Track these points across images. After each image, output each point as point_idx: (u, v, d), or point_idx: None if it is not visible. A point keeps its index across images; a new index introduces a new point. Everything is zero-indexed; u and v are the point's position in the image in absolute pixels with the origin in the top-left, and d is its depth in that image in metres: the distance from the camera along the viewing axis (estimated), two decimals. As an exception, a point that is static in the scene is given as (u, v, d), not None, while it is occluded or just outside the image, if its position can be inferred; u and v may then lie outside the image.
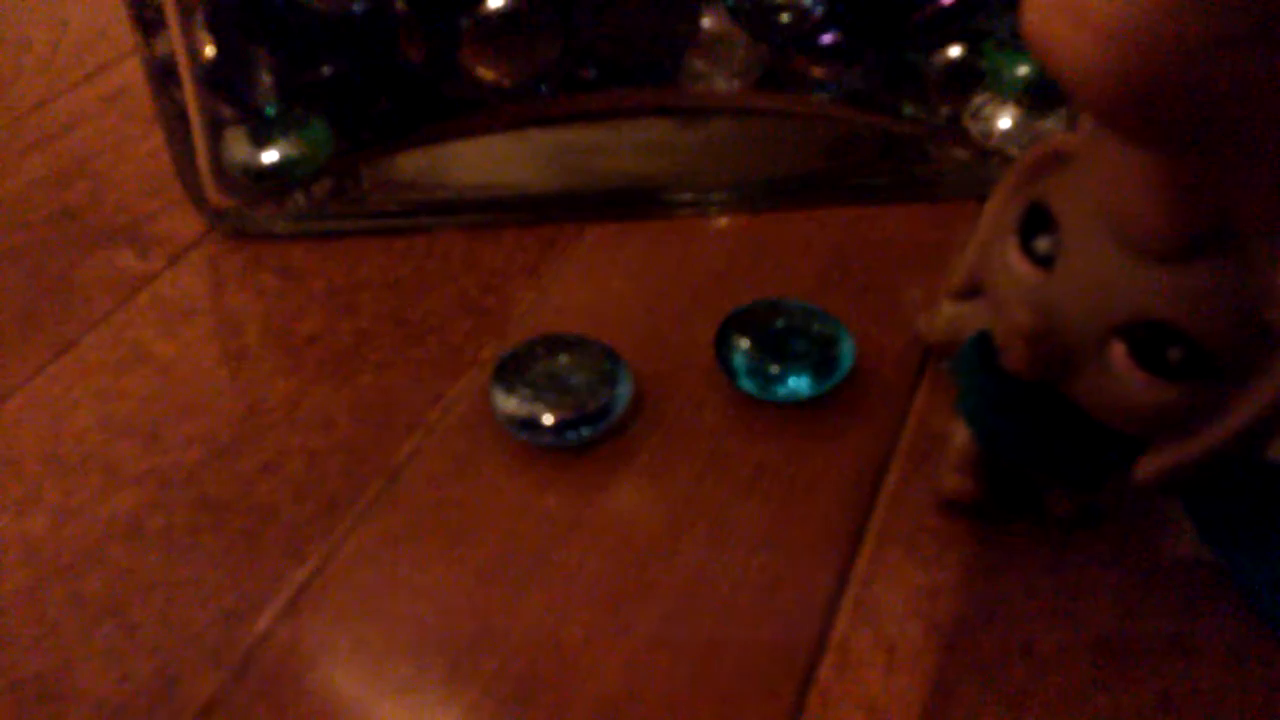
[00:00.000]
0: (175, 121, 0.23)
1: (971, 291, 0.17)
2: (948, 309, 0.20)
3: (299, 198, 0.25)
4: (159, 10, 0.21)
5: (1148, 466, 0.14)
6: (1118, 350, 0.14)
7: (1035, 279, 0.14)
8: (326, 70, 0.23)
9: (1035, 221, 0.14)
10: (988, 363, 0.16)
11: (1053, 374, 0.14)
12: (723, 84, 0.25)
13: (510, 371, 0.20)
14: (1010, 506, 0.18)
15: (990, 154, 0.25)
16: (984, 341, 0.16)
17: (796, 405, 0.20)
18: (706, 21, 0.24)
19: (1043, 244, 0.14)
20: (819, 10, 0.24)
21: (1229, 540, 0.16)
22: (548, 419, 0.19)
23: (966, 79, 0.24)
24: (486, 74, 0.24)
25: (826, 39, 0.24)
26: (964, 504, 0.18)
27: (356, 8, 0.23)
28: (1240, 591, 0.16)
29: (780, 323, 0.21)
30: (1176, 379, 0.13)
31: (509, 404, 0.19)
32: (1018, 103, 0.25)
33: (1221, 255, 0.13)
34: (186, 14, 0.22)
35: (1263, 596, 0.16)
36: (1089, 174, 0.14)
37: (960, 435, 0.18)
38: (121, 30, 0.32)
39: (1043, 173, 0.15)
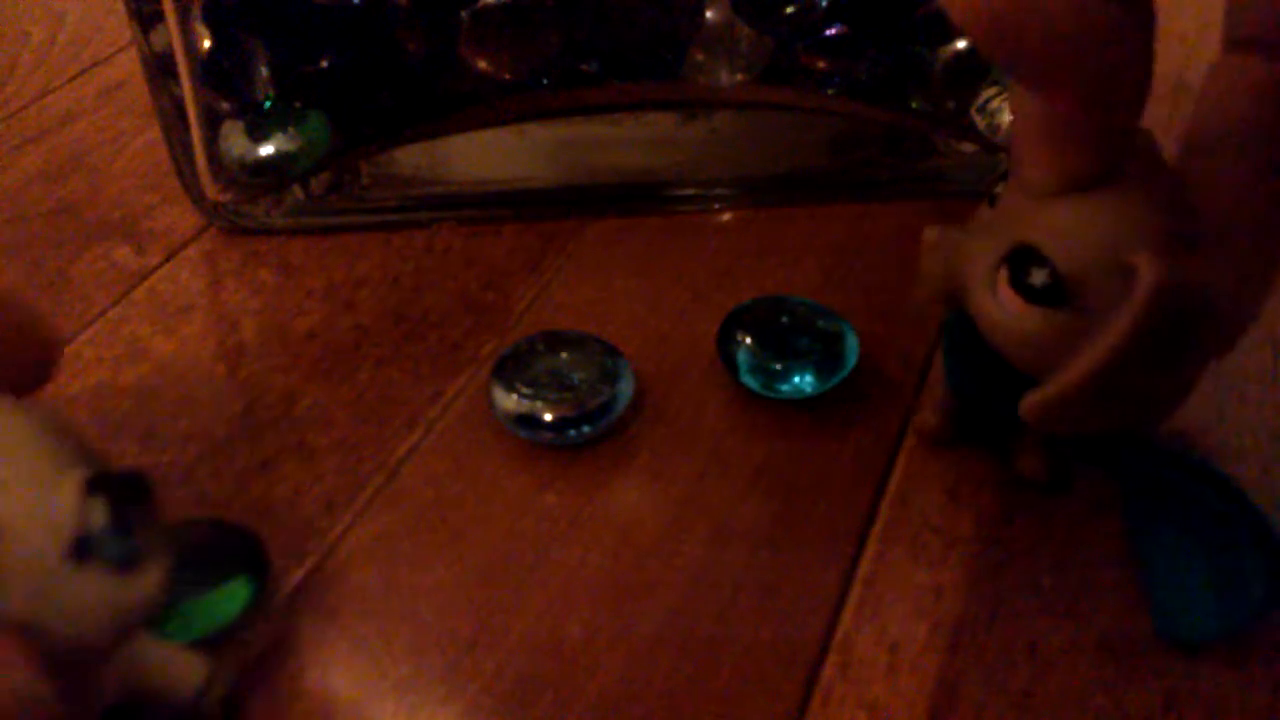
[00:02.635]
0: (172, 116, 0.23)
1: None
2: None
3: (297, 193, 0.25)
4: (156, 4, 0.21)
5: (1027, 403, 0.15)
6: (1001, 275, 0.15)
7: (986, 217, 0.16)
8: (324, 64, 0.23)
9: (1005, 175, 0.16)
10: (963, 321, 0.17)
11: (953, 298, 0.16)
12: (726, 78, 0.24)
13: (510, 369, 0.20)
14: (974, 442, 0.19)
15: (996, 148, 0.25)
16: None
17: (800, 403, 0.20)
18: (710, 14, 0.24)
19: (998, 189, 0.16)
20: (824, 3, 0.23)
21: (1149, 538, 0.17)
22: (548, 416, 0.19)
23: (972, 72, 0.24)
24: (486, 68, 0.23)
25: (831, 32, 0.24)
26: (931, 438, 0.19)
27: (355, 0, 0.22)
28: (1147, 594, 0.17)
29: (784, 319, 0.21)
30: (1039, 303, 0.14)
31: (509, 401, 0.19)
32: (1023, 97, 0.24)
33: (1100, 194, 0.14)
34: (183, 8, 0.21)
35: (1165, 603, 0.16)
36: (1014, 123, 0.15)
37: (943, 380, 0.19)
38: (118, 24, 0.32)
39: None
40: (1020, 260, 0.15)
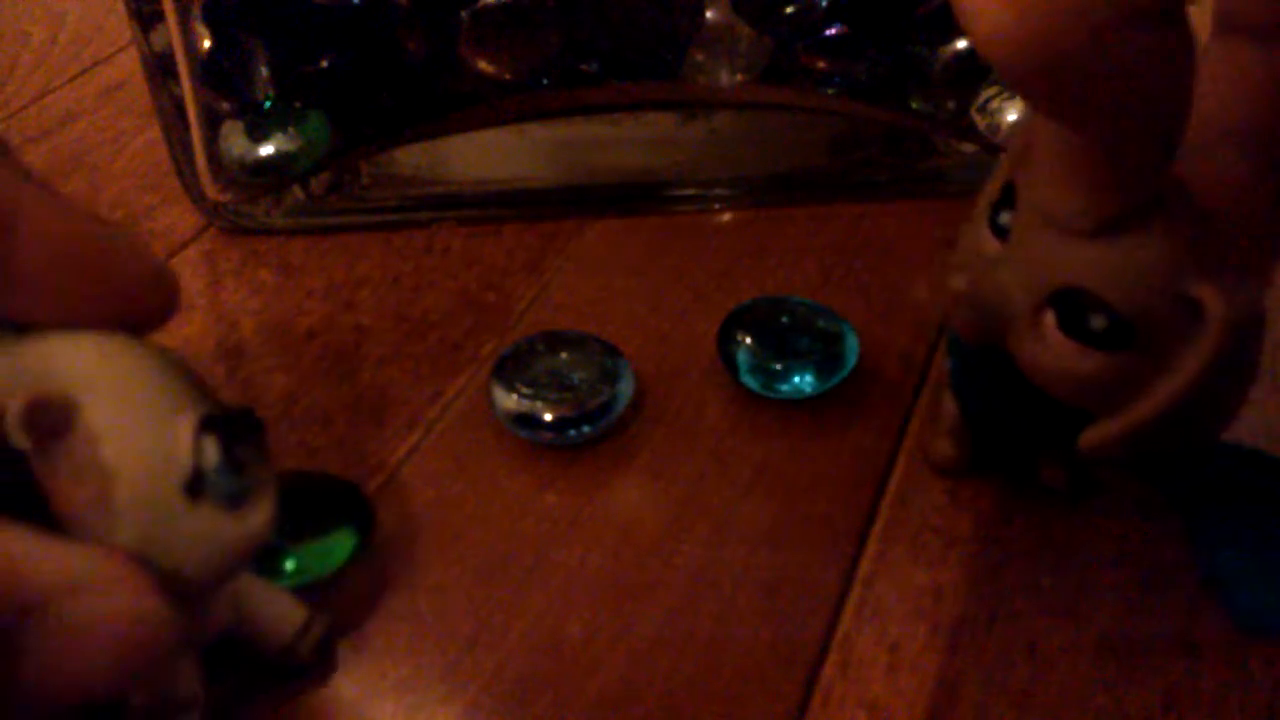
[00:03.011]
0: (172, 116, 0.23)
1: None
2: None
3: (297, 193, 0.25)
4: (156, 4, 0.21)
5: (1086, 438, 0.15)
6: (1048, 319, 0.14)
7: (993, 251, 0.15)
8: (324, 64, 0.23)
9: (1006, 197, 0.15)
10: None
11: (992, 339, 0.15)
12: (726, 78, 0.24)
13: (510, 368, 0.20)
14: (990, 469, 0.19)
15: (997, 148, 0.25)
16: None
17: (800, 403, 0.20)
18: (710, 14, 0.24)
19: (1005, 218, 0.15)
20: (824, 3, 0.23)
21: (1215, 535, 0.16)
22: (548, 416, 0.19)
23: (973, 72, 0.24)
24: (486, 68, 0.23)
25: (831, 32, 0.24)
26: (948, 468, 0.19)
27: (355, 0, 0.22)
28: (1218, 589, 0.17)
29: (784, 320, 0.21)
30: (1101, 347, 0.14)
31: (509, 401, 0.19)
32: (1023, 97, 0.24)
33: (1144, 230, 0.13)
34: (183, 8, 0.21)
35: (1241, 596, 0.16)
36: (1034, 148, 0.14)
37: (949, 404, 0.18)
38: (119, 24, 0.32)
39: (1025, 152, 0.16)
40: (1070, 304, 0.14)
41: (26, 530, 0.09)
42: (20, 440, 0.10)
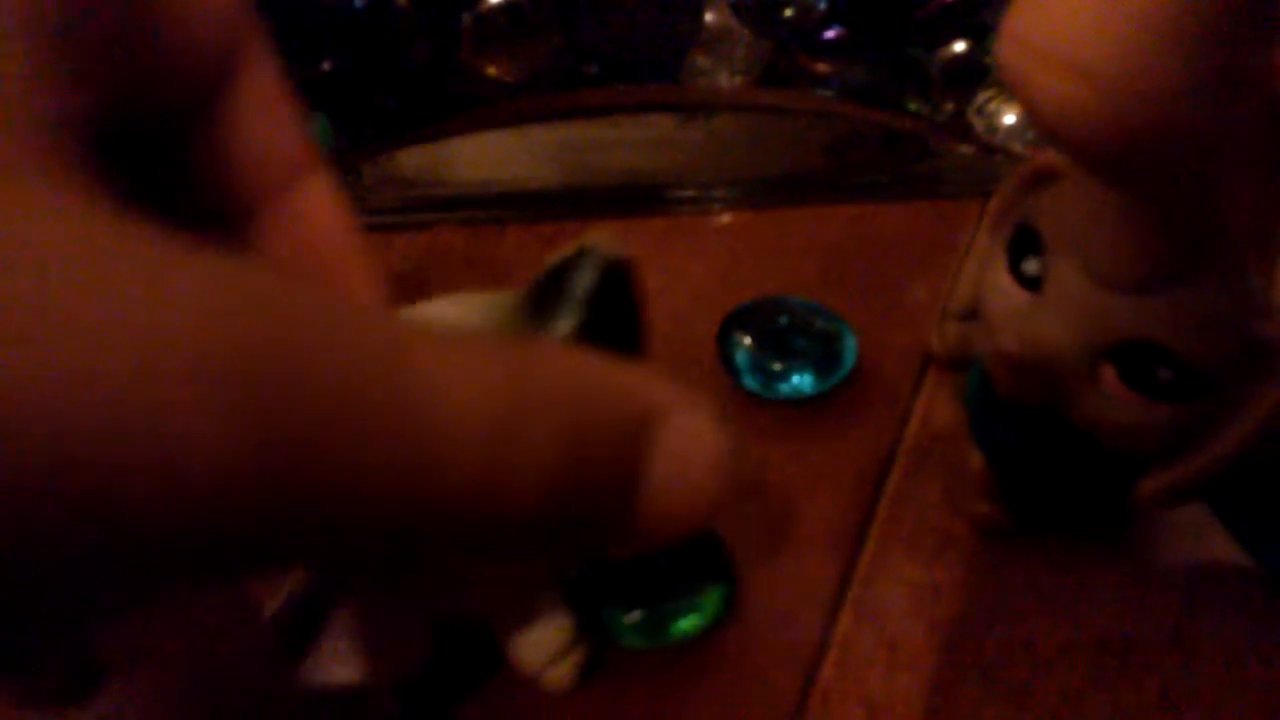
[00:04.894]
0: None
1: (972, 313, 0.17)
2: (954, 324, 0.20)
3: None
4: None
5: (1150, 486, 0.14)
6: (1108, 374, 0.14)
7: (1023, 302, 0.14)
8: (326, 66, 0.23)
9: (1024, 243, 0.14)
10: (991, 389, 0.15)
11: (1045, 398, 0.14)
12: (725, 80, 0.25)
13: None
14: (1041, 525, 0.18)
15: (994, 150, 0.25)
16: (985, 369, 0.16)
17: (798, 403, 0.20)
18: (709, 17, 0.24)
19: (1030, 266, 0.14)
20: (822, 6, 0.23)
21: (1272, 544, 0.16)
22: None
23: (970, 75, 0.24)
24: (488, 70, 0.23)
25: (830, 35, 0.24)
26: (990, 528, 0.18)
27: (357, 3, 0.22)
28: None
29: (782, 320, 0.21)
30: (1168, 399, 0.13)
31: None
32: (1021, 99, 0.24)
33: (1203, 276, 0.13)
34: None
35: None
36: (1068, 201, 0.14)
37: (976, 460, 0.18)
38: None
39: (1030, 191, 0.15)
40: (1133, 357, 0.13)
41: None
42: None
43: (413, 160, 0.25)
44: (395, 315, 0.08)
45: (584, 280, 0.12)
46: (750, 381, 0.20)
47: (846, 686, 0.16)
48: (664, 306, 0.23)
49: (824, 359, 0.20)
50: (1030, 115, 0.11)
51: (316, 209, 0.11)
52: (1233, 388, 0.13)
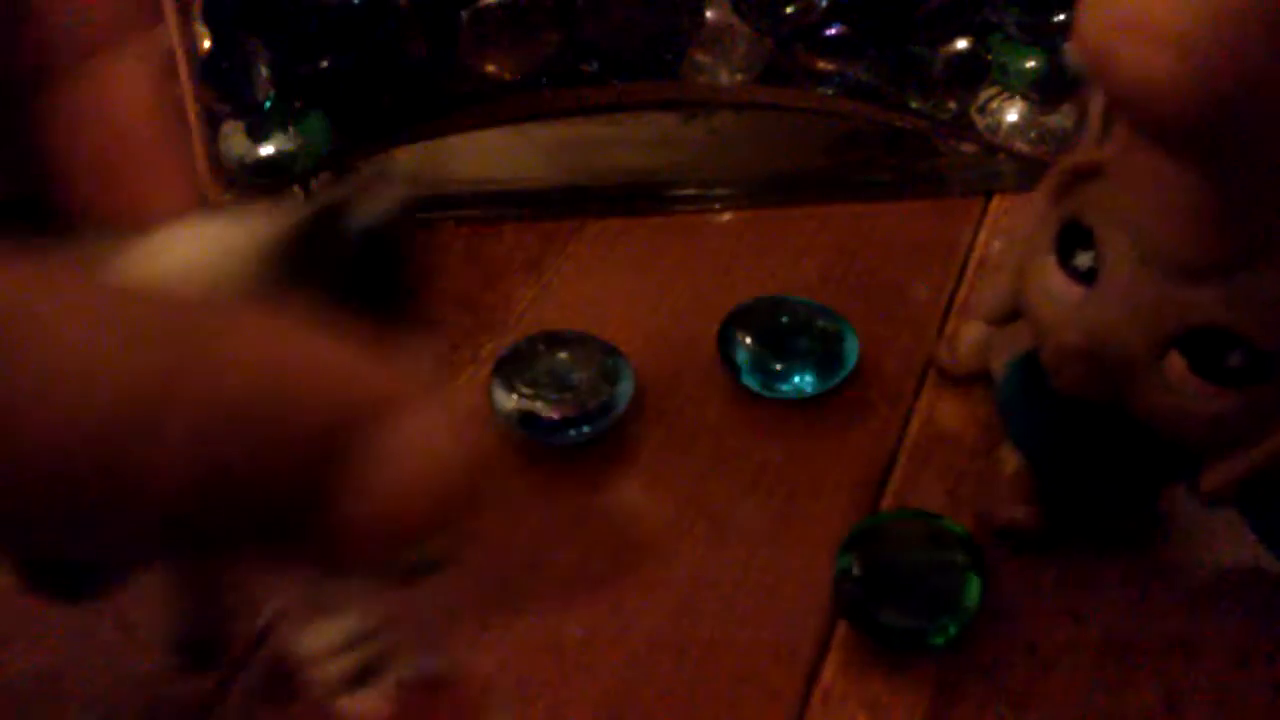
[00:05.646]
0: (173, 115, 0.23)
1: (1008, 317, 0.17)
2: (972, 333, 0.19)
3: (297, 192, 0.25)
4: (156, 4, 0.21)
5: (1215, 477, 0.14)
6: (1175, 362, 0.13)
7: (1077, 296, 0.14)
8: (324, 64, 0.23)
9: (1072, 238, 0.14)
10: (1038, 387, 0.15)
11: (1106, 392, 0.14)
12: (726, 78, 0.24)
13: (510, 368, 0.20)
14: (1070, 532, 0.17)
15: (997, 149, 0.25)
16: (1031, 365, 0.16)
17: (800, 402, 0.20)
18: (710, 14, 0.24)
19: (1083, 260, 0.14)
20: (824, 3, 0.23)
21: None
22: (548, 416, 0.19)
23: (973, 73, 0.24)
24: (486, 68, 0.23)
25: (831, 32, 0.24)
26: (1024, 535, 0.17)
27: (355, 0, 0.22)
28: None
29: (783, 319, 0.21)
30: (1238, 385, 0.13)
31: (509, 401, 0.19)
32: (1025, 96, 0.24)
33: (1270, 258, 0.13)
34: (184, 8, 0.21)
35: None
36: (1123, 189, 0.14)
37: (1011, 463, 0.17)
38: (119, 23, 0.32)
39: (1073, 188, 0.15)
40: (1202, 345, 0.13)
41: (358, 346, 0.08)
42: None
43: (411, 158, 0.25)
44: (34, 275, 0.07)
45: (344, 234, 0.10)
46: (751, 381, 0.20)
47: (848, 687, 0.16)
48: (664, 306, 0.23)
49: (825, 359, 0.20)
50: (1113, 90, 0.11)
51: (124, 79, 0.09)
52: None
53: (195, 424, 0.07)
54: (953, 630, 0.16)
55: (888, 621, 0.16)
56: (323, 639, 0.14)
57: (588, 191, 0.25)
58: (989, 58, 0.24)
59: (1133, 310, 0.14)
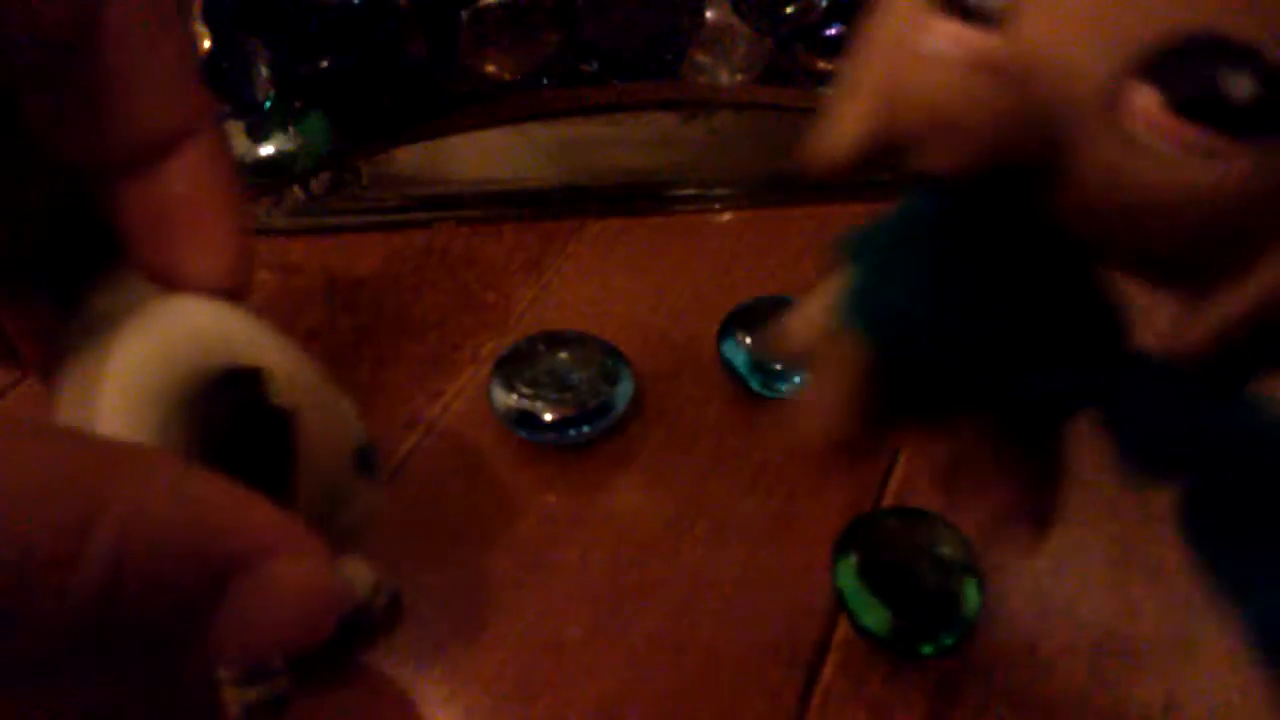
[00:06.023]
0: (173, 115, 0.23)
1: (875, 155, 0.10)
2: (814, 309, 0.12)
3: (297, 193, 0.25)
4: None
5: (1197, 326, 0.08)
6: (1144, 99, 0.08)
7: (980, 43, 0.09)
8: (324, 64, 0.23)
9: None
10: (920, 223, 0.10)
11: (1030, 165, 0.08)
12: (726, 78, 0.24)
13: (510, 368, 0.20)
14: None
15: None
16: (925, 200, 0.10)
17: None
18: (710, 14, 0.24)
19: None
20: (823, 3, 0.23)
21: (1229, 540, 0.11)
22: (548, 416, 0.19)
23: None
24: (486, 68, 0.23)
25: (831, 32, 0.24)
26: (841, 452, 0.12)
27: (356, 1, 0.22)
28: (1233, 602, 0.11)
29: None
30: (1247, 133, 0.08)
31: (509, 401, 0.19)
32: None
33: None
34: (183, 8, 0.21)
35: (1265, 609, 0.10)
36: None
37: (842, 351, 0.11)
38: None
39: None
40: (1188, 63, 0.08)
41: (233, 484, 0.09)
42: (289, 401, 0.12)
43: (411, 158, 0.25)
44: None
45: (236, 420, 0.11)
46: (750, 381, 0.20)
47: (846, 687, 0.16)
48: (664, 306, 0.23)
49: (825, 358, 0.20)
50: None
51: (190, 167, 0.12)
52: None
53: (109, 550, 0.08)
54: (948, 642, 0.16)
55: (878, 628, 0.16)
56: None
57: (588, 191, 0.25)
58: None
59: (1080, 19, 0.08)
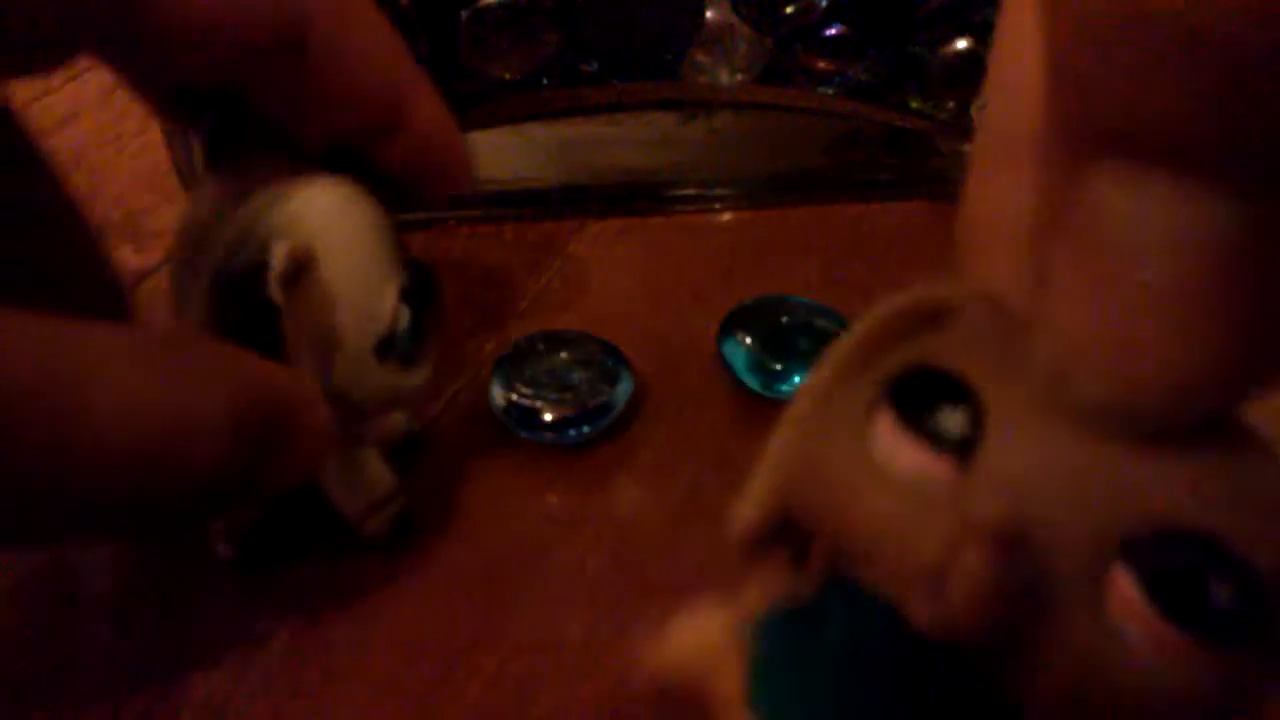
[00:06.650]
0: (173, 115, 0.23)
1: (783, 528, 0.10)
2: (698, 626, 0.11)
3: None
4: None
5: None
6: (1119, 587, 0.08)
7: (943, 476, 0.08)
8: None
9: (921, 392, 0.09)
10: (837, 644, 0.09)
11: (1005, 640, 0.08)
12: (726, 78, 0.24)
13: (510, 368, 0.20)
14: None
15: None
16: (817, 615, 0.09)
17: (799, 403, 0.20)
18: (710, 14, 0.24)
19: (949, 422, 0.08)
20: (823, 3, 0.23)
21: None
22: (548, 416, 0.19)
23: (973, 73, 0.24)
24: (486, 68, 0.23)
25: (831, 32, 0.24)
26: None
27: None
28: None
29: (784, 319, 0.21)
30: (1224, 638, 0.07)
31: (509, 400, 0.19)
32: (1024, 97, 0.24)
33: (1239, 426, 0.08)
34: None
35: None
36: (1031, 327, 0.08)
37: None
38: (119, 23, 0.32)
39: (919, 330, 0.10)
40: (1164, 560, 0.08)
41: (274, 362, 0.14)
42: (277, 294, 0.14)
43: (411, 158, 0.25)
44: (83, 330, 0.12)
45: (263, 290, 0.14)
46: (751, 381, 0.20)
47: (847, 688, 0.16)
48: (663, 305, 0.23)
49: (825, 358, 0.20)
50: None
51: (426, 115, 0.16)
52: None
53: (226, 404, 0.13)
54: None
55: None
56: (361, 498, 0.17)
57: (588, 191, 0.25)
58: (988, 57, 0.24)
59: (1058, 496, 0.08)
